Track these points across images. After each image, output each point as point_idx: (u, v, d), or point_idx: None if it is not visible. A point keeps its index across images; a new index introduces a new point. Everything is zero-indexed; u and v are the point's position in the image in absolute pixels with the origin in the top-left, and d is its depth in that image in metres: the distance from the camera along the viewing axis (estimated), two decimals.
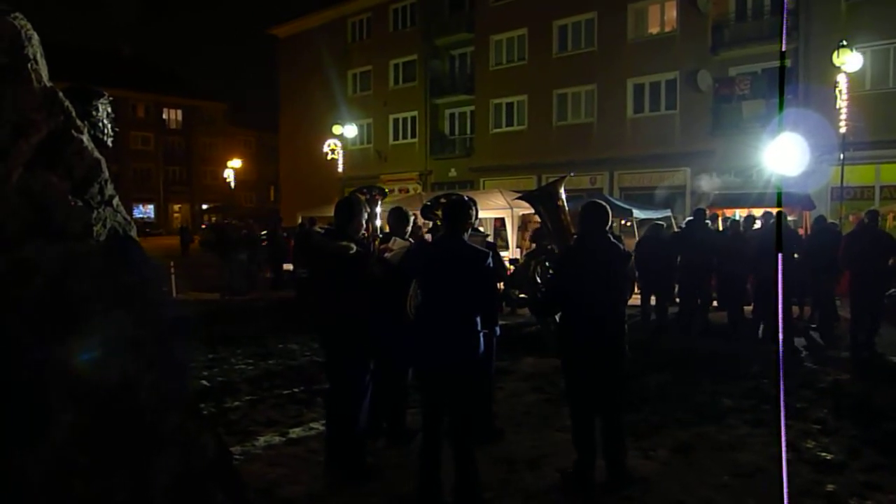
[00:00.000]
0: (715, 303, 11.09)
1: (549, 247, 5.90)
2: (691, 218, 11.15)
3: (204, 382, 7.11)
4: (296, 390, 6.88)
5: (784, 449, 2.36)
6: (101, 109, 2.99)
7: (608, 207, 4.55)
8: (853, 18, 18.22)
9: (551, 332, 4.83)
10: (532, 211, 16.05)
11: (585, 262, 4.37)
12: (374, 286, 4.53)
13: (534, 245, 14.01)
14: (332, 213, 4.76)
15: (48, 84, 2.54)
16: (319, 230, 5.32)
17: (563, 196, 4.97)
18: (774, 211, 11.94)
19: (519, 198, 6.60)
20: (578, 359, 4.41)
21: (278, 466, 4.79)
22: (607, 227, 4.54)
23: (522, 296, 13.16)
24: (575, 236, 4.75)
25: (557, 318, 4.69)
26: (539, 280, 5.07)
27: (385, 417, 5.24)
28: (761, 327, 9.51)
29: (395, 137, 32.64)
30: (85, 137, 2.62)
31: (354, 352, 4.49)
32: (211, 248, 15.86)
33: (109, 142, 3.02)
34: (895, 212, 15.56)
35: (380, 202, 5.46)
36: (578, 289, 4.32)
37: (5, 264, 2.34)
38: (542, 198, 5.15)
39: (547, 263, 5.08)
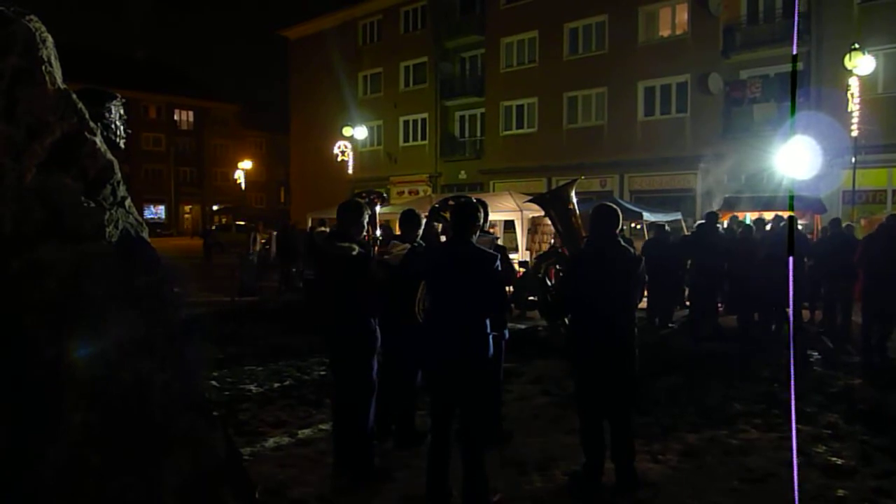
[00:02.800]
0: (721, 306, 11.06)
1: (559, 249, 5.89)
2: (703, 221, 11.11)
3: (213, 383, 7.13)
4: (305, 391, 6.90)
5: (795, 454, 2.35)
6: (113, 111, 3.01)
7: (619, 210, 4.54)
8: (865, 21, 18.10)
9: (561, 335, 4.83)
10: (542, 213, 16.01)
11: (596, 266, 4.36)
12: (377, 288, 4.54)
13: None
14: None
15: (62, 86, 2.56)
16: (324, 231, 5.34)
17: (574, 199, 4.96)
18: (785, 214, 11.92)
19: (530, 200, 6.61)
20: (588, 361, 4.41)
21: (287, 467, 4.81)
22: (618, 231, 4.53)
23: (532, 298, 13.16)
24: (585, 239, 4.74)
25: (567, 320, 4.68)
26: (549, 283, 5.06)
27: (394, 419, 5.25)
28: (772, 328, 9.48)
29: (406, 139, 32.69)
30: (98, 139, 2.64)
31: (358, 352, 4.50)
32: (281, 254, 16.30)
33: (122, 143, 3.04)
34: None
35: (378, 206, 5.47)
36: (588, 292, 4.32)
37: (20, 265, 2.36)
38: (552, 201, 5.15)
39: (557, 266, 5.08)
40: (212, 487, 2.66)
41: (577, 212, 4.94)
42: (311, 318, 10.09)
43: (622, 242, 4.51)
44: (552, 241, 15.98)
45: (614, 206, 4.56)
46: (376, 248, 4.92)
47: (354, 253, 4.43)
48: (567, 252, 5.01)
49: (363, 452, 4.54)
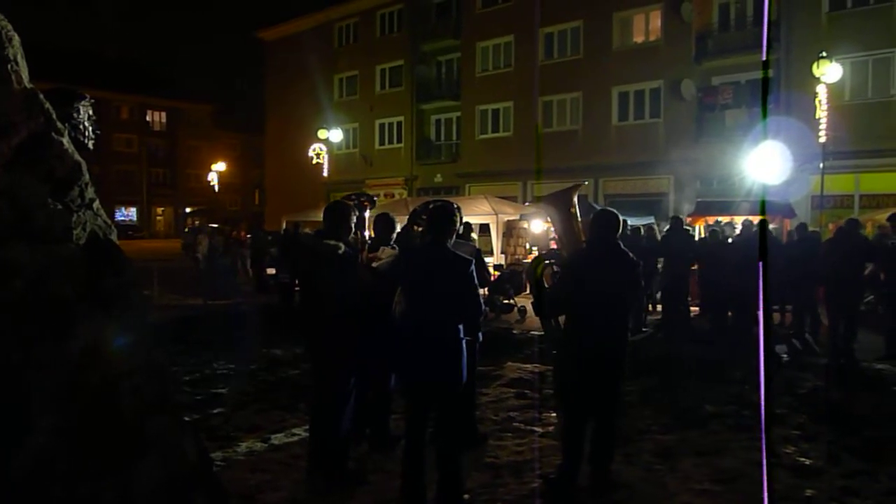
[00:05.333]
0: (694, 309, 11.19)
1: (558, 251, 5.92)
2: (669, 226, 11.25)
3: (185, 387, 7.04)
4: (278, 396, 6.83)
5: (765, 454, 2.38)
6: (82, 111, 2.96)
7: (619, 216, 4.57)
8: (834, 30, 18.46)
9: (554, 337, 4.86)
10: (517, 217, 16.07)
11: (596, 269, 4.38)
12: (363, 291, 4.52)
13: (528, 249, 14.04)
14: (316, 218, 4.78)
15: (29, 85, 2.52)
16: (309, 232, 5.28)
17: (577, 202, 5.00)
18: (754, 219, 12.08)
19: (531, 202, 6.63)
20: (581, 364, 4.41)
21: (260, 472, 4.76)
22: (617, 235, 4.57)
23: (507, 302, 13.22)
24: (584, 243, 4.77)
25: (561, 322, 4.69)
26: (546, 284, 5.09)
27: (368, 423, 5.22)
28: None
29: (381, 142, 32.61)
30: (65, 140, 2.60)
31: (341, 355, 4.47)
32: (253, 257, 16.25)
33: (90, 144, 2.99)
34: (874, 221, 15.77)
35: (368, 209, 5.45)
36: (587, 294, 4.33)
37: None
38: (555, 203, 5.16)
39: (555, 268, 5.10)
40: (183, 492, 2.63)
41: (579, 215, 4.97)
42: (293, 321, 10.02)
43: (622, 247, 4.55)
44: (527, 244, 16.08)
45: (615, 212, 4.60)
46: (364, 252, 4.90)
47: (341, 252, 4.41)
48: (565, 254, 5.03)
49: (338, 456, 4.51)
